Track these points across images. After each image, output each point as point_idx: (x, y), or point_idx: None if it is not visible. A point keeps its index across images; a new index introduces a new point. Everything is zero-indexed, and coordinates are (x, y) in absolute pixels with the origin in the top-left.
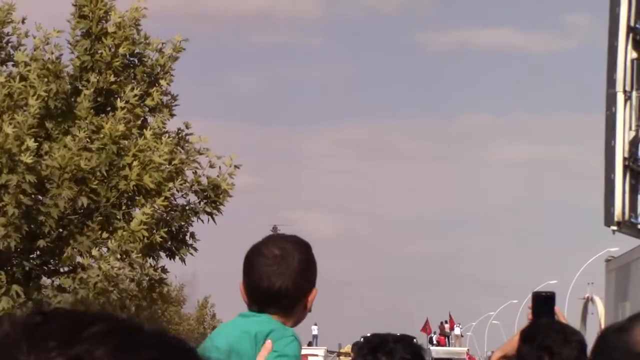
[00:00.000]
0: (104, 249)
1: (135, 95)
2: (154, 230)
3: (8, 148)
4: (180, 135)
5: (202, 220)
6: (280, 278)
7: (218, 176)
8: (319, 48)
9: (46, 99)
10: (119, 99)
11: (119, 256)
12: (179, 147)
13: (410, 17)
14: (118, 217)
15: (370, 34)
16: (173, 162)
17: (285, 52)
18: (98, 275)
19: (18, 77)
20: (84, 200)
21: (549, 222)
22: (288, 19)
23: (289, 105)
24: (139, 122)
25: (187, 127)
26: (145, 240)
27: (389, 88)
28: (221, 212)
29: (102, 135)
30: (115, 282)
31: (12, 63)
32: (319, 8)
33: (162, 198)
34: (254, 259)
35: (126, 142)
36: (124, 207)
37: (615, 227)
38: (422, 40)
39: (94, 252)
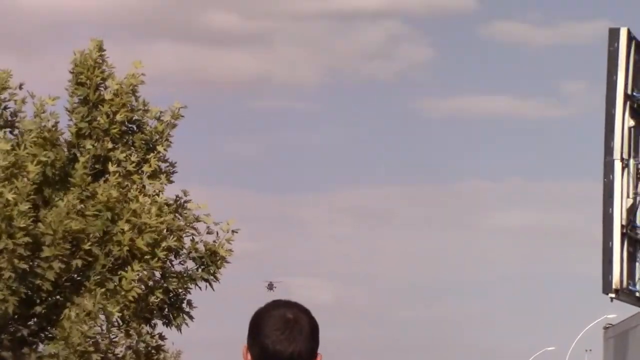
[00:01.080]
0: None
1: (132, 162)
2: (150, 292)
3: (8, 214)
4: (178, 203)
5: (200, 287)
6: (295, 342)
7: (215, 242)
8: (317, 114)
9: (44, 166)
10: (110, 164)
11: (115, 321)
12: (177, 215)
13: (407, 85)
14: (113, 281)
15: (368, 100)
16: (165, 222)
17: (284, 118)
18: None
19: (23, 145)
20: (78, 262)
21: (546, 289)
22: (286, 85)
23: (287, 171)
24: (136, 188)
25: (185, 195)
26: (141, 303)
27: (386, 154)
28: (218, 280)
29: (96, 202)
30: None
31: (9, 130)
32: (317, 75)
33: (156, 259)
34: (263, 323)
35: (120, 207)
36: (119, 273)
37: (613, 295)
38: (418, 107)
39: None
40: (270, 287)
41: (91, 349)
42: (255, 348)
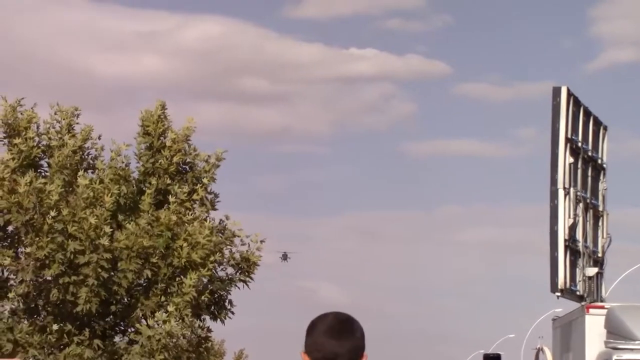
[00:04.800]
0: (164, 314)
1: (184, 193)
2: (200, 294)
3: (90, 234)
4: (221, 224)
5: (239, 287)
6: (347, 340)
7: (247, 251)
8: (327, 156)
9: (118, 197)
10: (170, 196)
11: (176, 319)
12: (219, 234)
13: (396, 132)
14: (173, 286)
15: (366, 145)
16: (213, 241)
17: (301, 159)
18: (161, 333)
19: (98, 181)
20: (147, 273)
21: (506, 289)
22: (303, 134)
23: (304, 200)
24: (189, 213)
25: (227, 219)
26: (193, 302)
27: (380, 186)
28: (252, 279)
29: (159, 224)
30: (175, 340)
31: (91, 171)
32: (327, 125)
33: (206, 269)
34: (317, 326)
35: (178, 229)
36: (177, 279)
37: (559, 294)
38: (405, 149)
39: (158, 315)
40: (285, 257)
41: (167, 340)
42: (312, 349)
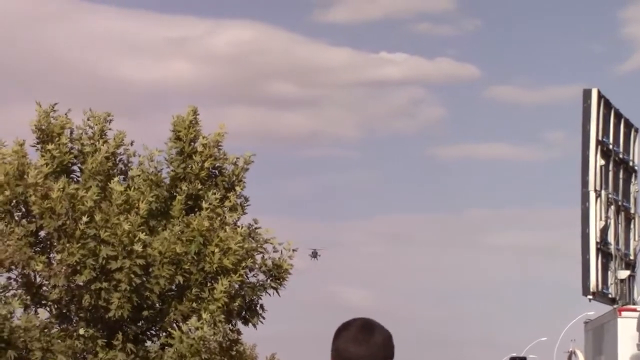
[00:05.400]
0: (196, 320)
1: (217, 199)
2: (232, 300)
3: (123, 240)
4: (251, 229)
5: (270, 294)
6: (371, 346)
7: (279, 258)
8: (356, 160)
9: (150, 203)
10: (203, 202)
11: (209, 325)
12: (250, 238)
13: (425, 136)
14: (205, 291)
15: (395, 149)
16: (245, 247)
17: (330, 163)
18: (194, 339)
19: (132, 187)
20: (179, 279)
21: (538, 293)
22: (332, 138)
23: (332, 204)
24: (219, 219)
25: (256, 223)
26: (225, 308)
27: (408, 191)
28: (284, 287)
29: (191, 230)
30: (207, 345)
31: (123, 177)
32: (356, 130)
33: (238, 275)
34: (343, 332)
35: (210, 234)
36: (209, 284)
37: (591, 297)
38: (434, 153)
39: (191, 321)
40: (314, 255)
41: (199, 345)
42: (337, 355)
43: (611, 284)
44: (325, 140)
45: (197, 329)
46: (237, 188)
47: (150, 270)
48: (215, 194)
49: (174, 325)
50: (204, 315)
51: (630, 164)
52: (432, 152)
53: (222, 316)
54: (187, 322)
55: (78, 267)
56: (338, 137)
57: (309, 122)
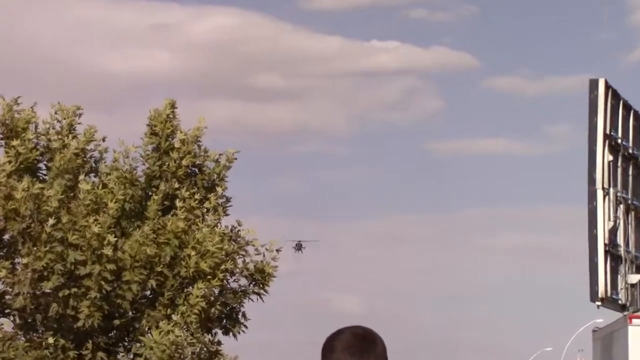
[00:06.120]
0: (167, 323)
1: (195, 200)
2: (211, 306)
3: (93, 243)
4: (233, 231)
5: (252, 300)
6: (368, 355)
7: (262, 261)
8: (346, 156)
9: (123, 203)
10: (178, 201)
11: (181, 327)
12: (231, 241)
13: (420, 130)
14: (181, 297)
15: (388, 144)
16: (224, 249)
17: (318, 159)
18: (165, 344)
19: (101, 185)
20: (152, 283)
21: (542, 299)
22: (320, 133)
23: (321, 204)
24: (198, 220)
25: (239, 225)
26: (202, 315)
27: (402, 189)
28: (267, 292)
29: (166, 231)
30: (181, 351)
31: (93, 174)
32: (346, 123)
33: (216, 279)
34: (335, 342)
35: (186, 236)
36: (185, 290)
37: (599, 303)
38: (429, 148)
39: (162, 325)
40: (299, 247)
41: (176, 354)
42: None
43: (621, 289)
44: (313, 135)
45: (168, 332)
46: (219, 188)
47: (122, 275)
48: (191, 192)
49: (147, 333)
50: (175, 317)
51: None
52: (428, 147)
53: (195, 318)
54: (159, 327)
55: (45, 273)
56: (327, 132)
57: (296, 115)
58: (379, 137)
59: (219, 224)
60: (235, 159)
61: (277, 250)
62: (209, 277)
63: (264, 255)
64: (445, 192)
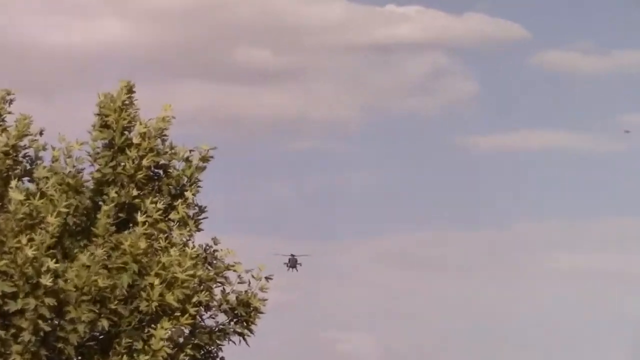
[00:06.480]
0: None
1: (159, 210)
2: (180, 350)
3: (27, 270)
4: (208, 252)
5: (234, 342)
6: None
7: (247, 292)
8: (356, 155)
9: (65, 216)
10: (139, 214)
11: None
12: (206, 265)
13: (451, 121)
14: (140, 340)
15: (410, 138)
16: (197, 276)
17: (320, 159)
18: None
19: (38, 194)
20: (104, 323)
21: (623, 333)
22: (322, 125)
23: (324, 216)
24: (164, 237)
25: (215, 243)
26: None
27: (429, 196)
28: (253, 332)
29: (121, 253)
30: None
31: (27, 179)
32: (355, 113)
33: (187, 315)
34: None
35: (148, 259)
36: (146, 330)
37: None
38: (463, 144)
39: None
40: (293, 264)
41: None
42: None
43: None
44: (313, 128)
45: None
46: (189, 194)
47: (65, 312)
48: (153, 200)
49: None
50: None
51: None
52: (461, 142)
53: None
54: None
55: None
56: (330, 123)
57: (291, 102)
58: (396, 129)
59: (189, 243)
60: (211, 157)
61: (267, 278)
62: (177, 313)
63: (249, 284)
64: (484, 201)
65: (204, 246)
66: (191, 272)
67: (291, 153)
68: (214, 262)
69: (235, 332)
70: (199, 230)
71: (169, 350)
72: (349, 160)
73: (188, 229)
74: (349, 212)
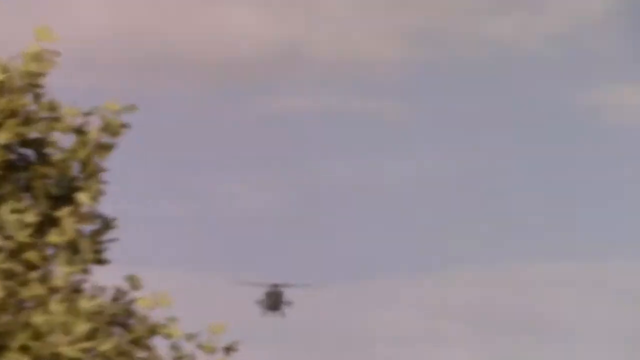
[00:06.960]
0: None
1: (27, 227)
2: None
3: None
4: (119, 302)
5: None
6: None
7: None
8: (392, 122)
9: None
10: None
11: None
12: (115, 326)
13: (552, 63)
14: None
15: (483, 91)
16: (100, 348)
17: (322, 127)
18: None
19: None
20: None
21: None
22: (327, 67)
23: (315, 242)
24: (36, 277)
25: (134, 285)
26: None
27: (504, 207)
28: None
29: None
30: None
31: None
32: (390, 49)
33: None
34: None
35: (7, 321)
36: None
37: None
38: (580, 102)
39: None
40: (275, 304)
41: None
42: None
43: None
44: (312, 71)
45: None
46: (84, 196)
47: None
48: (22, 212)
49: None
50: None
51: None
52: (578, 100)
53: None
54: None
55: None
56: (342, 66)
57: (272, 26)
58: (459, 77)
59: (84, 287)
60: (128, 126)
61: (229, 350)
62: None
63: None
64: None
65: (112, 292)
66: (87, 344)
67: (267, 118)
68: (130, 321)
69: None
70: (102, 262)
71: None
72: (375, 135)
73: (82, 260)
74: (359, 232)
